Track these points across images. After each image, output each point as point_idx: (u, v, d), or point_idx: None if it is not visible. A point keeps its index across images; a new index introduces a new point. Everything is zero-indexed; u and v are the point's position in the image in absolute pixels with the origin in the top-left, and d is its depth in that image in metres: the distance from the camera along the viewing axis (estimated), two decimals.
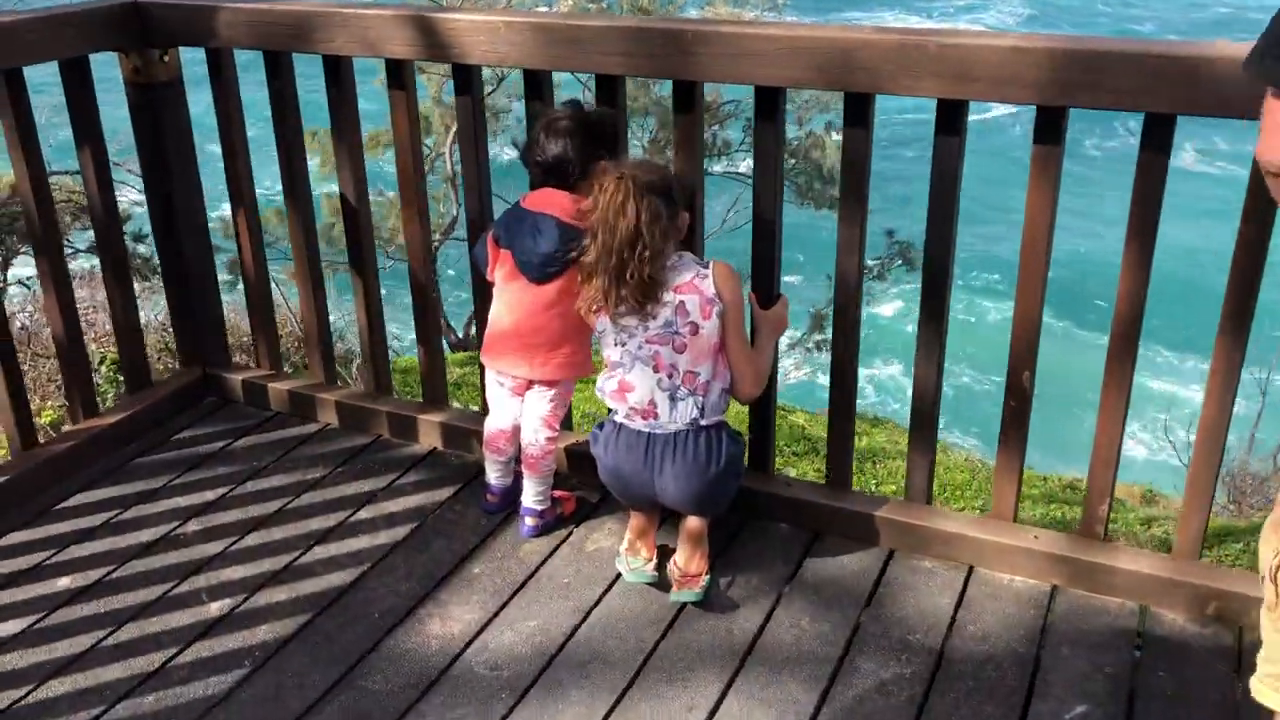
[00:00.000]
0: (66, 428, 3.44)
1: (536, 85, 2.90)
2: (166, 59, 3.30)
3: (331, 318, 3.73)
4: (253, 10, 3.07)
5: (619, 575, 2.75)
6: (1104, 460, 2.60)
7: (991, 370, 14.87)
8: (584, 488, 3.10)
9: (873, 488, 5.48)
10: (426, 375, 3.44)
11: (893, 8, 31.82)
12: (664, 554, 2.78)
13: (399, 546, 2.91)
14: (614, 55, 2.68)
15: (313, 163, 4.98)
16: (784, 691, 2.39)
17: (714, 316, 2.57)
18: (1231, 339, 2.38)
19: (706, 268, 2.61)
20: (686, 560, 2.69)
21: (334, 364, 3.64)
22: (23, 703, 2.41)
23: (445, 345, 7.50)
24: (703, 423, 2.61)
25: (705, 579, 2.66)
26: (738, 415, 3.04)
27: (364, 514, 3.06)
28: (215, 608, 2.70)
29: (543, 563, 2.83)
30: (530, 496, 2.93)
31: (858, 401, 2.95)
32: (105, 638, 2.61)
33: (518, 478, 3.00)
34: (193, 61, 3.37)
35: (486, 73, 6.61)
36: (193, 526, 3.02)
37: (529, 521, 2.94)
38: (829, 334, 11.00)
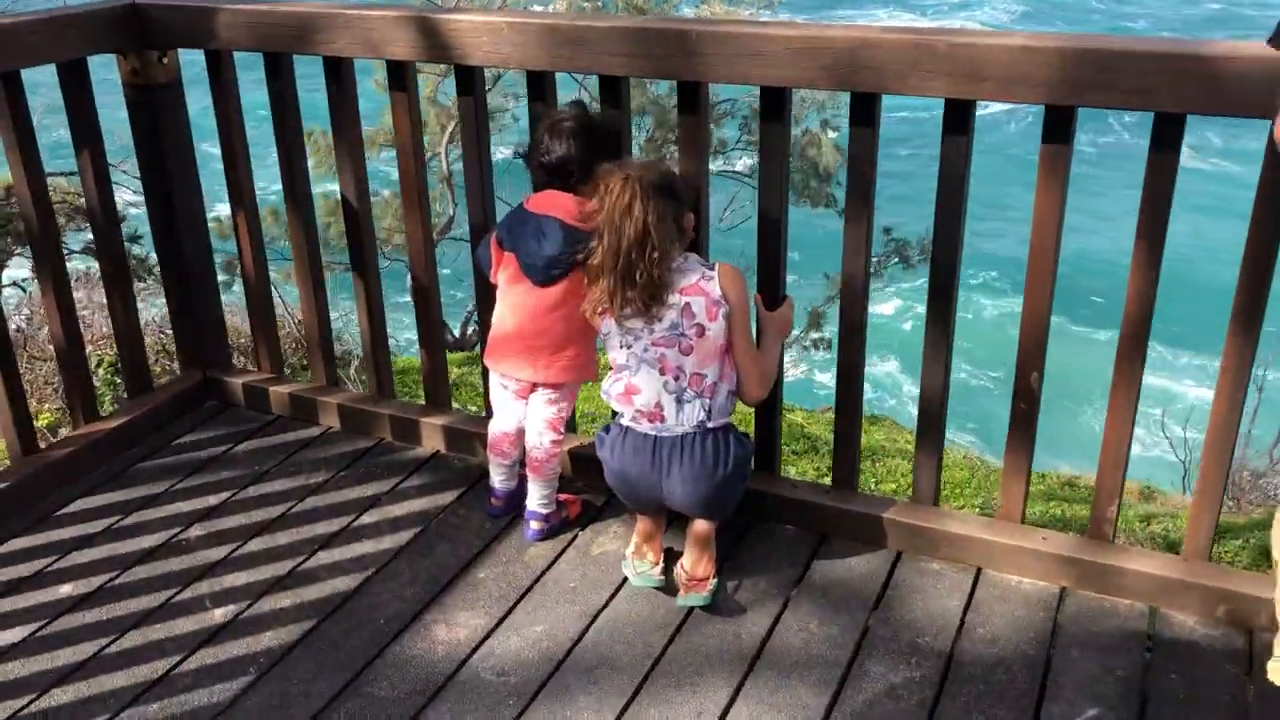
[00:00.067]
0: (67, 432, 3.42)
1: (539, 86, 2.88)
2: (165, 60, 3.28)
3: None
4: (253, 12, 3.05)
5: (625, 579, 2.74)
6: (1113, 461, 2.59)
7: (987, 365, 14.89)
8: (589, 490, 3.09)
9: (872, 486, 5.47)
10: (429, 377, 3.42)
11: (886, 5, 31.80)
12: (670, 557, 2.76)
13: (403, 551, 2.89)
14: (618, 56, 2.66)
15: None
16: (793, 696, 2.37)
17: (720, 318, 2.56)
18: (1242, 337, 2.37)
19: (712, 269, 2.60)
20: (694, 564, 2.67)
21: (335, 366, 3.62)
22: (25, 712, 2.39)
23: None
24: (710, 425, 2.59)
25: (713, 582, 2.65)
26: (742, 417, 3.02)
27: (367, 518, 3.04)
28: (219, 614, 2.68)
29: (548, 567, 2.82)
30: (535, 500, 2.91)
31: None
32: (108, 645, 2.58)
33: (522, 481, 2.98)
34: (190, 62, 3.35)
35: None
36: (195, 532, 3.00)
37: (534, 525, 2.92)
38: (825, 332, 11.04)
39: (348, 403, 3.47)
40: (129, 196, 6.41)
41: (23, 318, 6.36)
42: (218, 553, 2.91)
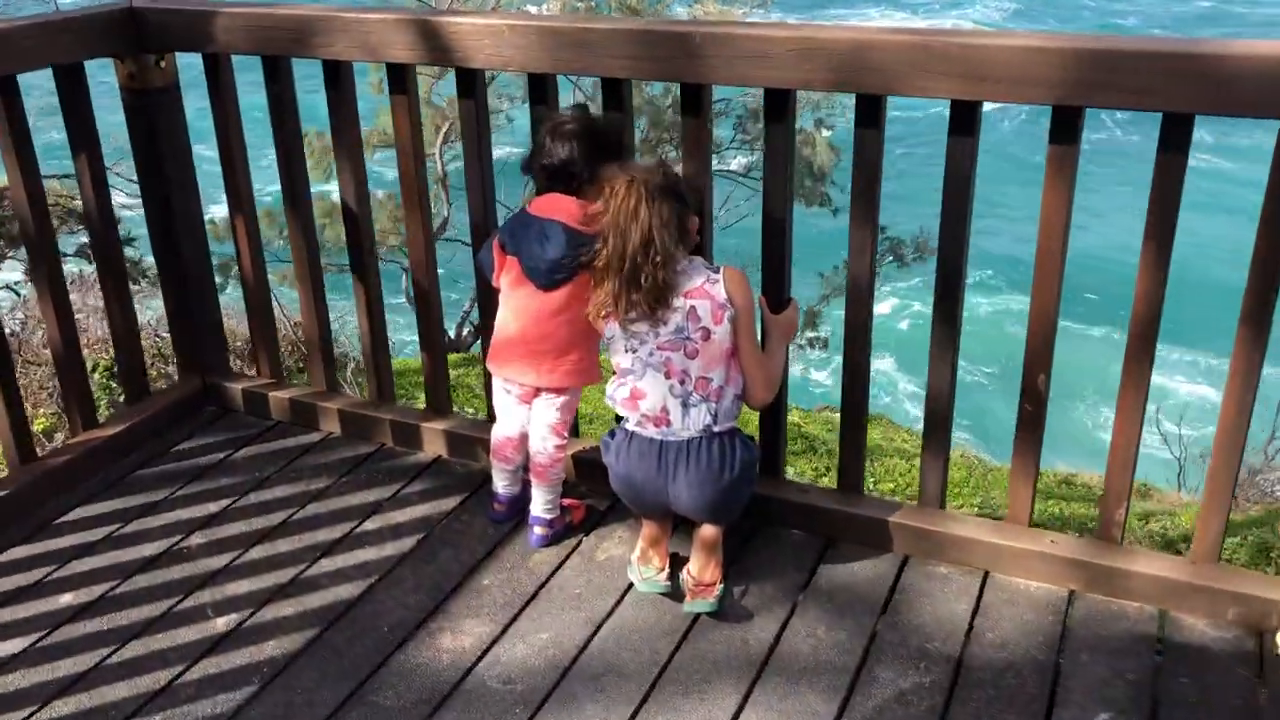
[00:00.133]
0: (63, 438, 3.39)
1: (541, 89, 2.86)
2: (163, 64, 3.25)
3: None
4: (251, 15, 3.03)
5: (631, 585, 2.72)
6: (1121, 462, 2.58)
7: (982, 362, 14.90)
8: (593, 495, 3.07)
9: (871, 485, 5.46)
10: (430, 381, 3.40)
11: (879, 4, 31.73)
12: (676, 563, 2.74)
13: (406, 558, 2.87)
14: (621, 58, 2.64)
15: None
16: (803, 703, 2.36)
17: (725, 321, 2.54)
18: (1251, 338, 2.35)
19: (717, 272, 2.58)
20: (700, 569, 2.65)
21: (335, 371, 3.60)
22: None
23: None
24: (716, 429, 2.57)
25: (720, 588, 2.63)
26: (746, 421, 3.00)
27: (370, 525, 3.02)
28: (221, 623, 2.66)
29: (553, 573, 2.80)
30: (539, 505, 2.89)
31: None
32: (109, 655, 2.56)
33: (525, 486, 2.96)
34: (187, 66, 3.32)
35: None
36: (196, 540, 2.97)
37: (538, 531, 2.90)
38: (821, 331, 11.02)
39: (348, 408, 3.44)
40: (122, 199, 6.37)
41: (17, 322, 6.32)
42: (219, 561, 2.88)
